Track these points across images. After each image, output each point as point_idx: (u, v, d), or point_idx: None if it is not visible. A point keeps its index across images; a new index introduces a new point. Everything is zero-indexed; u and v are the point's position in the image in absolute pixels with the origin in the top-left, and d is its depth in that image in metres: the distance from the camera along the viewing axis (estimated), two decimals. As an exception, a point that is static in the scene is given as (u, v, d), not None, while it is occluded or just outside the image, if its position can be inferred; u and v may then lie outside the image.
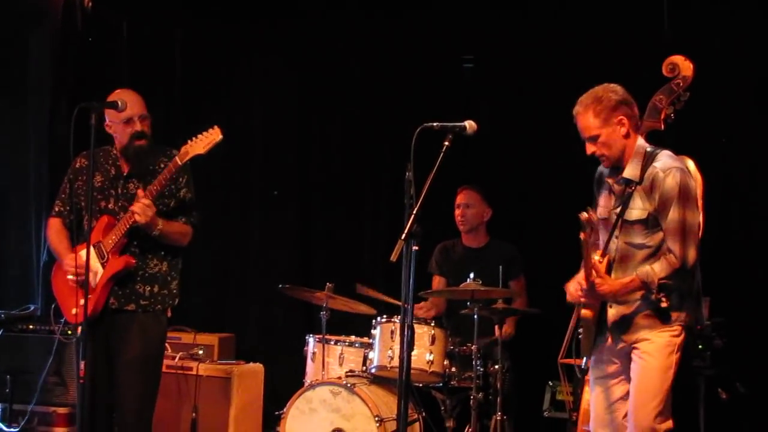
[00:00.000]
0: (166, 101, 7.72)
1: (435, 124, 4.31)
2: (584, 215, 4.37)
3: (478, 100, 7.03)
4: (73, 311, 5.19)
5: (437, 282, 6.78)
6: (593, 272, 4.41)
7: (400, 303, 5.74)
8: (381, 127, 7.31)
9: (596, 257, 4.46)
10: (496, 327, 5.93)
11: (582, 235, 4.35)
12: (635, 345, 4.50)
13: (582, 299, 4.54)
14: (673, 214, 4.38)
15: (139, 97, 5.27)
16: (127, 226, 5.11)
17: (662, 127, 4.87)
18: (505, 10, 7.05)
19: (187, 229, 5.32)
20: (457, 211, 6.69)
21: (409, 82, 7.27)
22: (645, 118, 4.72)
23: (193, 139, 5.08)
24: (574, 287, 4.58)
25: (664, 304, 4.42)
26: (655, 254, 4.44)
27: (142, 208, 5.04)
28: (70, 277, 5.16)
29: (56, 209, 5.44)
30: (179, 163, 5.07)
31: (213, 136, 5.07)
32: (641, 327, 4.48)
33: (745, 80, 6.46)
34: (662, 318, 4.44)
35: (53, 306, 5.64)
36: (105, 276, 5.17)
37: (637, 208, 4.45)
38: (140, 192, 5.11)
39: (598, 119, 4.45)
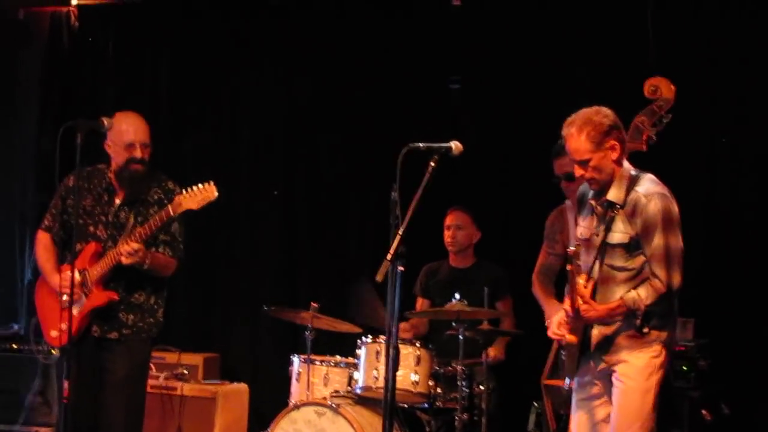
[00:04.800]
0: (152, 120, 7.66)
1: (421, 144, 4.31)
2: (572, 249, 4.42)
3: (464, 121, 7.04)
4: (53, 333, 5.20)
5: (420, 304, 6.76)
6: (578, 299, 4.41)
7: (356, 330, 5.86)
8: (367, 147, 7.31)
9: (581, 281, 4.47)
10: (484, 353, 5.91)
11: (569, 267, 4.37)
12: (614, 368, 4.50)
13: (566, 335, 4.55)
14: (657, 240, 4.39)
15: (144, 124, 5.29)
16: (113, 263, 5.12)
17: (644, 148, 4.88)
18: (492, 31, 7.07)
19: (172, 262, 5.34)
20: (447, 233, 6.67)
21: (395, 102, 7.27)
22: (627, 139, 4.72)
23: (189, 190, 5.06)
24: (557, 323, 4.59)
25: (646, 330, 4.43)
26: (635, 277, 4.45)
27: (129, 253, 5.05)
28: (65, 298, 5.13)
29: (46, 223, 5.44)
30: (171, 213, 5.07)
31: (208, 193, 5.04)
32: (622, 348, 4.49)
33: (728, 104, 6.51)
34: (641, 334, 4.45)
35: (33, 322, 5.63)
36: (86, 308, 5.17)
37: (619, 232, 4.46)
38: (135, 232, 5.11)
39: (590, 143, 4.42)
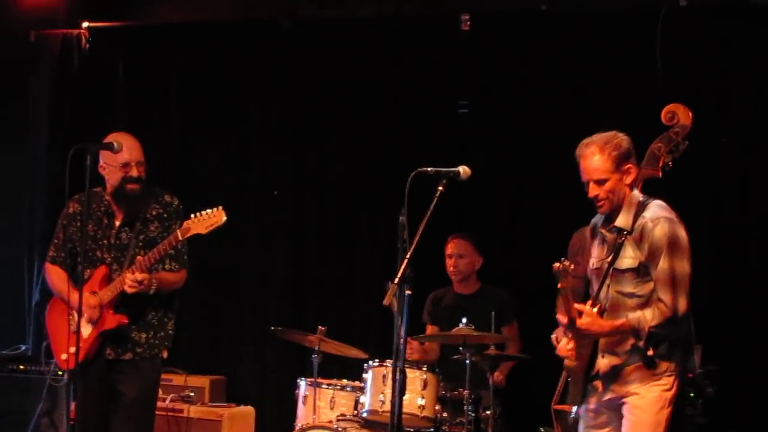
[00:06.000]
0: (161, 142, 7.73)
1: (429, 168, 4.33)
2: (557, 265, 4.37)
3: (472, 146, 7.05)
4: (63, 356, 5.20)
5: (430, 331, 6.76)
6: (574, 309, 4.38)
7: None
8: (375, 171, 7.33)
9: (587, 306, 4.46)
10: (489, 375, 5.91)
11: (559, 285, 4.36)
12: (625, 399, 4.47)
13: (569, 351, 4.54)
14: (662, 264, 4.38)
15: (137, 143, 5.29)
16: (121, 288, 5.12)
17: (660, 174, 4.87)
18: (500, 56, 7.10)
19: (180, 276, 5.35)
20: (449, 261, 6.67)
21: (404, 126, 7.29)
22: (643, 165, 4.72)
23: (198, 215, 5.09)
24: (559, 334, 4.59)
25: (650, 353, 4.41)
26: (645, 304, 4.43)
27: (131, 286, 5.06)
28: (85, 315, 5.12)
29: (51, 254, 5.44)
30: (180, 238, 5.10)
31: (216, 218, 5.06)
32: (632, 380, 4.46)
33: (737, 129, 6.53)
34: (648, 365, 4.43)
35: (44, 344, 5.64)
36: (96, 330, 5.17)
37: (628, 257, 4.45)
38: (139, 258, 5.11)
39: (611, 163, 4.43)
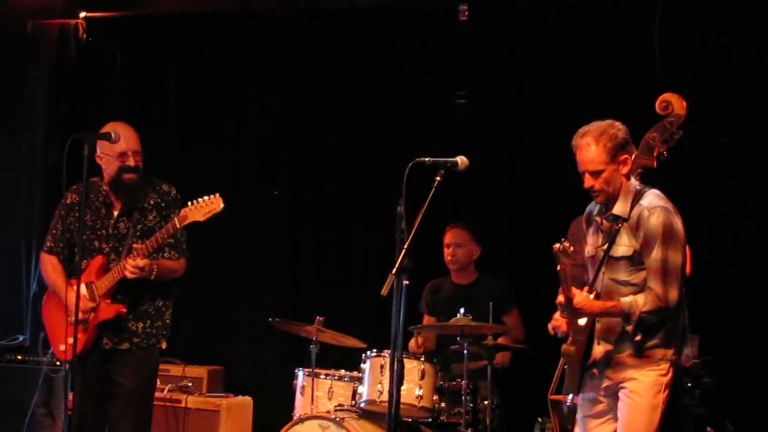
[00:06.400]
0: (160, 133, 7.73)
1: (427, 159, 4.33)
2: (557, 246, 4.37)
3: (470, 136, 7.05)
4: (62, 347, 5.20)
5: (426, 321, 6.76)
6: (573, 290, 4.40)
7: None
8: (373, 162, 7.33)
9: (584, 293, 4.47)
10: (488, 365, 5.91)
11: (558, 267, 4.36)
12: (622, 384, 4.49)
13: (563, 329, 4.55)
14: (655, 253, 4.39)
15: (134, 132, 5.28)
16: (119, 277, 5.12)
17: (655, 164, 4.88)
18: (498, 46, 7.09)
19: (179, 264, 5.35)
20: (447, 251, 6.67)
21: (402, 117, 7.29)
22: (638, 155, 4.72)
23: (195, 202, 5.08)
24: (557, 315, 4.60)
25: (638, 338, 4.42)
26: (639, 293, 4.43)
27: (132, 271, 5.06)
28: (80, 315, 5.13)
29: (48, 245, 5.43)
30: (177, 226, 5.09)
31: (214, 205, 5.06)
32: (628, 366, 4.47)
33: (732, 123, 6.53)
34: (637, 352, 4.44)
35: (41, 335, 5.65)
36: (95, 321, 5.17)
37: (624, 245, 4.46)
38: (136, 246, 5.12)
39: (606, 155, 4.42)
